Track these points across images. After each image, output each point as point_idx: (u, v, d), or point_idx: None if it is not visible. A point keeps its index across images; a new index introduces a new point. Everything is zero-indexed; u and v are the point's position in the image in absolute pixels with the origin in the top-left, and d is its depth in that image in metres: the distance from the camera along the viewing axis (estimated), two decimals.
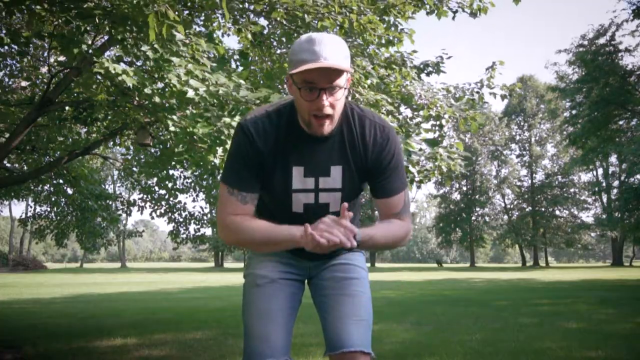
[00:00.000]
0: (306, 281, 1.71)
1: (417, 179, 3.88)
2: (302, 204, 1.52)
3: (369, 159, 1.50)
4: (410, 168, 3.59)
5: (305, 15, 4.12)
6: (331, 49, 1.33)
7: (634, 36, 19.19)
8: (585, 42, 21.37)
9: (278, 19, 4.36)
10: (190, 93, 3.03)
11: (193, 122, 3.14)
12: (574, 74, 24.79)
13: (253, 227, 1.45)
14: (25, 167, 7.47)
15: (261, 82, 4.85)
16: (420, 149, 3.70)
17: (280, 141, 1.46)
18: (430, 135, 4.52)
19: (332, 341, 1.54)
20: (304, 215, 1.52)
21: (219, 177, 5.26)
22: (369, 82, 4.28)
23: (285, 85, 5.06)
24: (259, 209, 1.56)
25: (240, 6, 4.29)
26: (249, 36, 4.25)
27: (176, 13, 3.18)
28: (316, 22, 4.37)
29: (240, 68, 4.91)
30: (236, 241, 1.51)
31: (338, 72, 1.34)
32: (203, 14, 4.68)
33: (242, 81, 3.46)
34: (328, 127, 1.41)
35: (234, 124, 3.19)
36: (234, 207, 1.47)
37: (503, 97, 5.19)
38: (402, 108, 4.62)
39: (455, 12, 5.04)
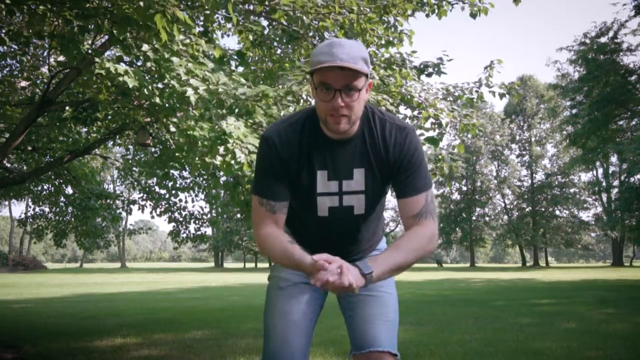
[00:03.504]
0: None
1: None
2: (327, 207, 1.55)
3: (390, 159, 1.51)
4: None
5: (304, 17, 4.12)
6: (348, 52, 1.36)
7: (635, 35, 19.16)
8: (587, 41, 21.30)
9: (278, 19, 4.36)
10: (190, 92, 3.03)
11: (193, 122, 3.13)
12: (575, 73, 24.75)
13: (273, 248, 1.48)
14: (25, 167, 7.47)
15: (261, 82, 4.85)
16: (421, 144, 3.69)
17: (303, 147, 1.50)
18: (430, 134, 4.51)
19: (359, 341, 1.56)
20: (329, 217, 1.56)
21: (222, 179, 5.24)
22: None
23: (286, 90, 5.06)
24: (289, 215, 1.58)
25: (241, 7, 4.28)
26: (250, 37, 4.25)
27: (185, 13, 3.19)
28: (316, 22, 4.37)
29: (240, 69, 4.91)
30: (265, 254, 1.55)
31: (353, 74, 1.36)
32: (203, 14, 4.68)
33: (242, 79, 3.46)
34: (345, 125, 1.42)
35: (234, 124, 3.19)
36: (264, 217, 1.52)
37: (502, 95, 5.17)
38: (402, 108, 4.62)
39: (453, 5, 5.01)
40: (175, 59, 3.16)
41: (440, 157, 3.89)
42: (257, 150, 1.61)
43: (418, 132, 3.96)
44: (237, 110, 3.35)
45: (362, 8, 4.10)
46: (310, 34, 4.47)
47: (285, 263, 1.47)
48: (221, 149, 3.11)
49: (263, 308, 1.67)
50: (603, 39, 20.34)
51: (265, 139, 1.51)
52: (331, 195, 1.53)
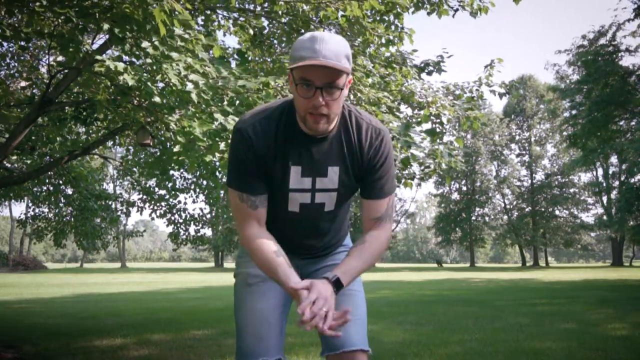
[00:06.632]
0: None
1: (418, 176, 3.88)
2: (298, 203, 1.54)
3: (364, 160, 1.51)
4: (412, 164, 3.59)
5: (305, 6, 4.10)
6: (331, 49, 1.32)
7: (634, 36, 19.14)
8: (586, 43, 21.34)
9: (280, 12, 4.35)
10: (189, 86, 3.02)
11: (192, 120, 3.13)
12: (574, 74, 24.77)
13: (258, 256, 1.46)
14: (25, 167, 7.47)
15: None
16: (422, 139, 3.68)
17: (279, 141, 1.47)
18: (429, 126, 4.49)
19: (332, 341, 1.54)
20: (299, 213, 1.55)
21: (223, 180, 5.24)
22: (370, 80, 4.28)
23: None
24: None
25: (241, 6, 4.28)
26: (250, 31, 4.24)
27: (183, 6, 3.18)
28: (316, 19, 4.36)
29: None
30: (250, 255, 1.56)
31: (336, 72, 1.33)
32: (203, 14, 4.68)
33: (242, 74, 3.45)
34: (324, 125, 1.40)
35: (232, 121, 3.18)
36: (247, 217, 1.49)
37: (502, 95, 5.16)
38: (403, 107, 4.61)
39: (456, 11, 5.04)
40: (174, 54, 3.15)
41: (438, 152, 3.87)
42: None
43: (418, 127, 3.96)
44: (237, 102, 3.35)
45: None
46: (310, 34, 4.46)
47: (265, 273, 1.47)
48: (222, 145, 3.10)
49: None
50: (601, 41, 20.35)
51: (240, 132, 1.45)
52: (304, 192, 1.51)
